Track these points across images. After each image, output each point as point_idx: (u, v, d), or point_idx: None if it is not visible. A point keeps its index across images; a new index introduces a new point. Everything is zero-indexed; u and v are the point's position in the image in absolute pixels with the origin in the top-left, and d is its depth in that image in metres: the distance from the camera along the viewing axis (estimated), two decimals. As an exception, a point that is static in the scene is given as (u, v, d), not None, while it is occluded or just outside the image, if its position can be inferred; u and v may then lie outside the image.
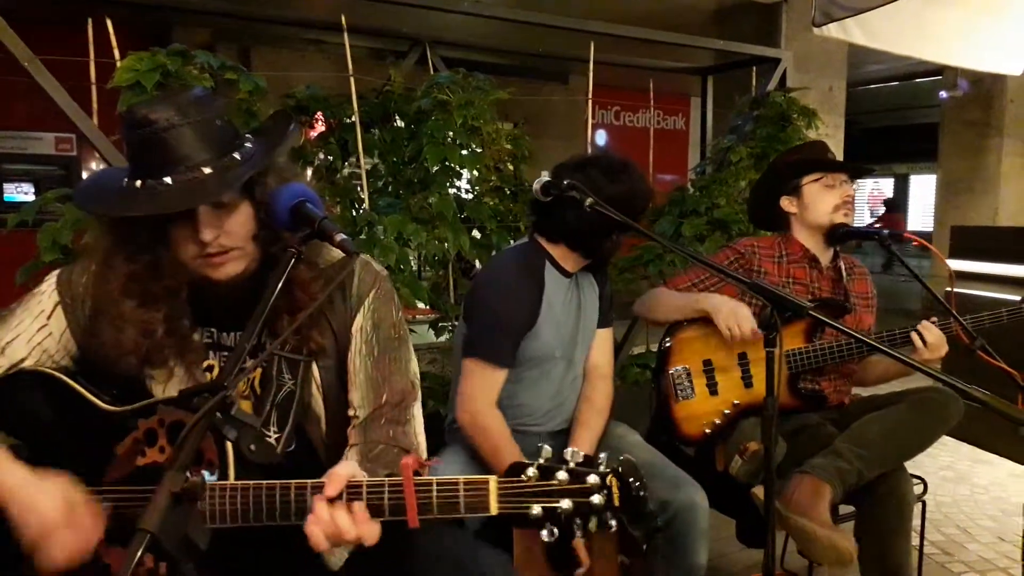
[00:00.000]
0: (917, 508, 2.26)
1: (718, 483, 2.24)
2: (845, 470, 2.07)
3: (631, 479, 1.05)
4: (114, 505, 1.18)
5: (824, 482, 2.05)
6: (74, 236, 2.18)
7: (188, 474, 0.84)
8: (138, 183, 1.19)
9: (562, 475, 1.05)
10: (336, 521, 1.06)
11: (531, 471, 1.06)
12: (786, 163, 2.52)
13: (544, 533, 1.05)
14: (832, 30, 4.10)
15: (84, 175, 6.62)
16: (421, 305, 2.91)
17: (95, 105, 2.49)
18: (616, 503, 1.04)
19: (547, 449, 1.10)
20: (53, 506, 1.10)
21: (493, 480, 1.06)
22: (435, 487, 1.08)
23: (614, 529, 1.06)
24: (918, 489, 2.31)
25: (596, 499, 1.03)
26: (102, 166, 2.68)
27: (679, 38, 3.79)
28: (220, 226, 1.23)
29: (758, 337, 2.16)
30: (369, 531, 1.08)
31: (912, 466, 2.22)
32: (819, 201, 2.39)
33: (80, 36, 2.53)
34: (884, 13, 4.05)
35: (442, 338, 3.22)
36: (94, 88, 2.49)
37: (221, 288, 1.28)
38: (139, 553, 0.75)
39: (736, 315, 2.22)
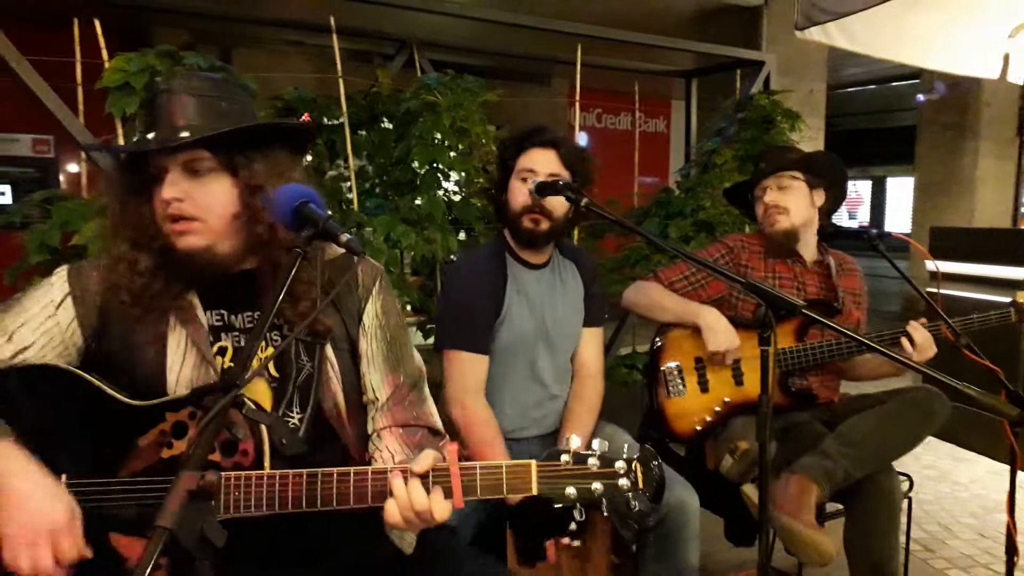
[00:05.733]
0: (903, 505, 2.29)
1: (708, 482, 2.26)
2: (832, 469, 2.10)
3: (652, 463, 1.23)
4: (137, 496, 1.20)
5: (812, 481, 2.08)
6: (62, 238, 2.16)
7: (203, 472, 0.84)
8: (150, 135, 1.30)
9: (593, 461, 1.20)
10: (412, 497, 1.16)
11: (565, 457, 1.20)
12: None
13: (575, 513, 1.21)
14: (814, 34, 4.14)
15: (62, 178, 6.55)
16: (409, 308, 2.91)
17: (81, 106, 2.47)
18: (640, 485, 1.21)
19: (575, 439, 1.23)
20: (64, 509, 1.11)
21: (533, 464, 1.20)
22: (479, 470, 1.20)
23: (635, 508, 1.20)
24: (904, 486, 2.34)
25: (623, 482, 1.20)
26: (84, 167, 2.65)
27: (666, 41, 3.81)
28: (187, 191, 1.28)
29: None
30: (441, 508, 1.18)
31: (896, 465, 2.25)
32: (757, 212, 2.49)
33: (57, 37, 2.50)
34: (864, 17, 4.10)
35: (429, 340, 3.21)
36: (80, 89, 2.47)
37: (216, 270, 1.33)
38: (157, 550, 0.75)
39: (728, 351, 2.31)
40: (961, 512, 3.60)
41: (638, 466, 1.21)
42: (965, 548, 3.23)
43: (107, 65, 2.28)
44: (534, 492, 1.19)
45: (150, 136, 1.29)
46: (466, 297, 2.11)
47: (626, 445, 1.24)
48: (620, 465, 1.20)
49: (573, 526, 1.25)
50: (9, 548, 1.09)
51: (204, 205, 1.29)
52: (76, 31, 2.47)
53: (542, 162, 2.07)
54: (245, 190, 1.31)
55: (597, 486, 1.19)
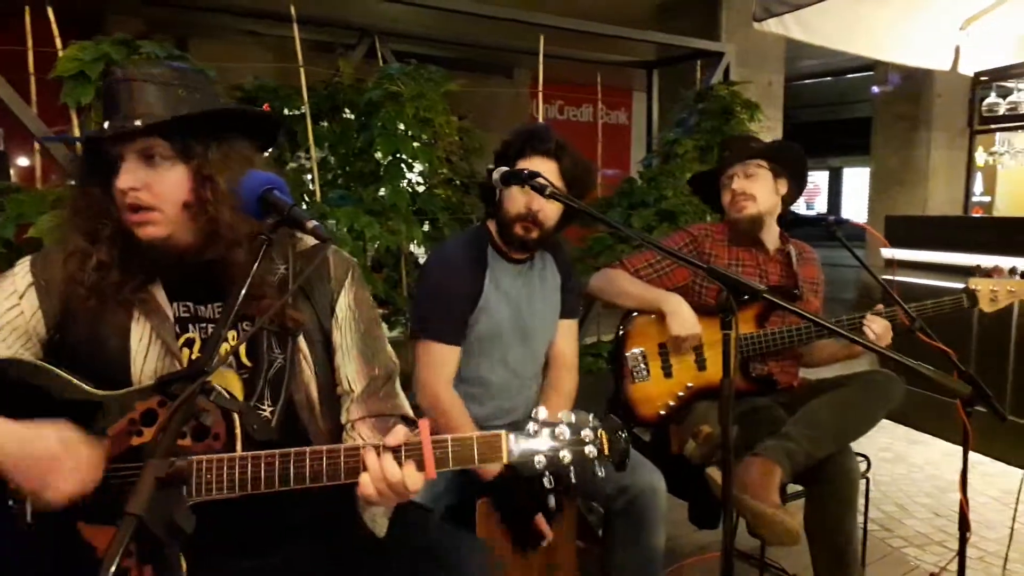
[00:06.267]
0: (861, 485, 2.35)
1: (672, 466, 2.28)
2: (794, 451, 2.14)
3: (617, 432, 1.26)
4: (106, 485, 1.18)
5: (775, 464, 2.12)
6: (17, 230, 2.12)
7: (173, 459, 0.84)
8: (106, 124, 1.29)
9: (561, 429, 1.23)
10: (384, 467, 1.18)
11: (534, 427, 1.23)
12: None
13: (545, 481, 1.23)
14: (771, 25, 4.21)
15: (11, 172, 6.38)
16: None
17: (34, 96, 2.41)
18: (606, 452, 1.24)
19: (543, 410, 1.25)
20: (47, 445, 1.10)
21: (504, 433, 1.22)
22: (450, 441, 1.22)
23: (601, 475, 1.24)
24: (862, 467, 2.40)
25: (590, 449, 1.23)
26: (38, 160, 2.59)
27: (628, 32, 3.84)
28: (144, 180, 1.27)
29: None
30: (413, 479, 1.19)
31: (853, 447, 2.30)
32: (724, 199, 2.52)
33: (8, 26, 2.43)
34: (820, 9, 4.19)
35: (395, 332, 3.21)
36: (32, 79, 2.41)
37: (179, 260, 1.32)
38: (127, 538, 0.75)
39: (690, 336, 2.34)
40: (917, 492, 3.70)
41: (604, 435, 1.24)
42: (920, 527, 3.32)
43: (61, 54, 2.22)
44: (504, 461, 1.21)
45: (106, 125, 1.27)
46: (444, 287, 2.10)
47: (591, 417, 1.27)
48: (587, 433, 1.23)
49: (551, 502, 1.27)
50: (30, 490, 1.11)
51: (160, 194, 1.27)
52: (28, 19, 2.41)
53: (544, 173, 2.00)
54: (196, 179, 1.29)
55: (565, 454, 1.22)
